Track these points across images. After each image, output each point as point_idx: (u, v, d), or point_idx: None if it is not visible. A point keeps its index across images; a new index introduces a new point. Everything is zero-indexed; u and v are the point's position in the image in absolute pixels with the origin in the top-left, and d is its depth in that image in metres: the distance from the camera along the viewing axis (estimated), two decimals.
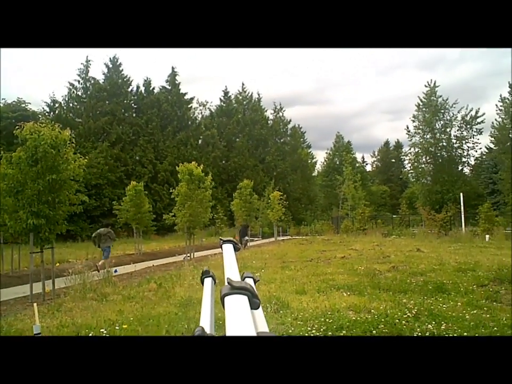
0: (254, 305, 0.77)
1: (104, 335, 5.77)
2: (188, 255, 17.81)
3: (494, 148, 54.10)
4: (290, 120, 65.95)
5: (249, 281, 0.98)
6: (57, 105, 42.22)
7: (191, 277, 10.96)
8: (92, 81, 44.06)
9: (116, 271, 13.62)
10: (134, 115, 46.63)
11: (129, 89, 47.16)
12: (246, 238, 24.11)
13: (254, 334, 0.67)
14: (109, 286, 10.39)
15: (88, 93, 43.71)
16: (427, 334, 5.50)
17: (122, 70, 46.10)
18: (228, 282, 0.81)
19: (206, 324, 0.87)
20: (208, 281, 1.09)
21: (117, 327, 6.16)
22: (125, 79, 46.25)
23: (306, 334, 5.55)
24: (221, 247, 1.24)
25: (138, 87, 48.02)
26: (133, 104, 47.78)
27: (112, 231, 15.70)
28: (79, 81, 43.63)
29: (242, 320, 0.69)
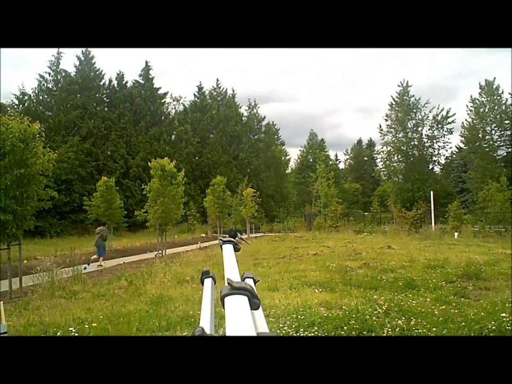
0: (254, 306, 0.77)
1: (73, 333, 5.66)
2: (160, 252, 17.65)
3: (464, 148, 55.46)
4: (264, 117, 66.11)
5: (249, 281, 0.99)
6: (26, 97, 41.20)
7: (163, 274, 10.85)
8: (63, 74, 43.26)
9: (85, 268, 13.38)
10: (106, 109, 45.99)
11: (101, 83, 46.54)
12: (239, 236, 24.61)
13: (254, 334, 0.67)
14: (78, 284, 10.20)
15: (59, 85, 42.91)
16: (397, 329, 5.55)
17: (94, 63, 45.42)
18: (228, 283, 0.81)
19: (206, 324, 0.86)
20: (208, 282, 1.09)
21: (86, 326, 6.05)
22: (97, 72, 45.56)
23: (278, 331, 5.55)
24: (221, 248, 1.25)
25: (110, 80, 47.44)
26: (105, 98, 47.12)
27: (105, 229, 17.42)
28: (49, 74, 42.74)
29: (242, 321, 0.69)
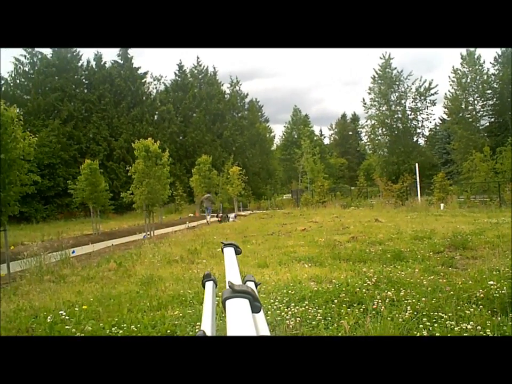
0: (255, 309, 0.78)
1: (64, 317, 5.61)
2: (148, 233, 17.61)
3: (447, 119, 55.77)
4: (247, 94, 65.55)
5: (251, 284, 1.01)
6: (3, 81, 40.26)
7: (151, 255, 10.82)
8: (39, 56, 42.23)
9: (73, 252, 13.27)
10: (85, 91, 45.20)
11: (79, 64, 45.55)
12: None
13: None
14: (66, 267, 10.13)
15: (36, 68, 41.91)
16: (387, 300, 5.59)
17: None
18: (229, 286, 0.82)
19: (207, 327, 0.88)
20: (209, 285, 1.10)
21: (76, 308, 6.01)
22: (74, 53, 44.55)
23: (269, 306, 5.55)
24: (222, 251, 1.26)
25: (88, 61, 46.56)
26: (83, 80, 46.22)
27: (210, 195, 26.28)
28: (25, 56, 41.72)
29: (244, 324, 0.70)
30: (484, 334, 4.05)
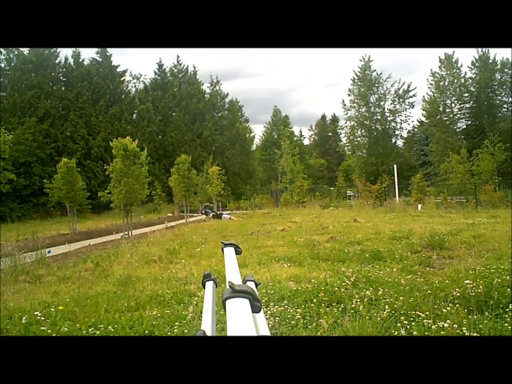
0: (255, 309, 0.78)
1: (39, 318, 5.50)
2: (126, 232, 17.41)
3: (425, 121, 56.64)
4: (227, 94, 65.37)
5: (251, 284, 1.01)
6: None
7: (130, 255, 10.70)
8: (16, 52, 41.47)
9: (49, 251, 13.04)
10: (63, 88, 44.53)
11: (57, 61, 44.87)
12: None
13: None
14: (42, 268, 9.95)
15: (12, 64, 41.14)
16: (365, 299, 5.62)
17: None
18: (229, 286, 0.82)
19: (207, 327, 0.87)
20: (209, 285, 1.10)
21: (52, 309, 5.90)
22: (51, 50, 43.79)
23: None
24: (222, 251, 1.26)
25: (66, 58, 45.87)
26: (61, 77, 45.60)
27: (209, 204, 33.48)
28: (1, 52, 40.97)
29: (244, 323, 0.70)
30: (461, 332, 4.09)
